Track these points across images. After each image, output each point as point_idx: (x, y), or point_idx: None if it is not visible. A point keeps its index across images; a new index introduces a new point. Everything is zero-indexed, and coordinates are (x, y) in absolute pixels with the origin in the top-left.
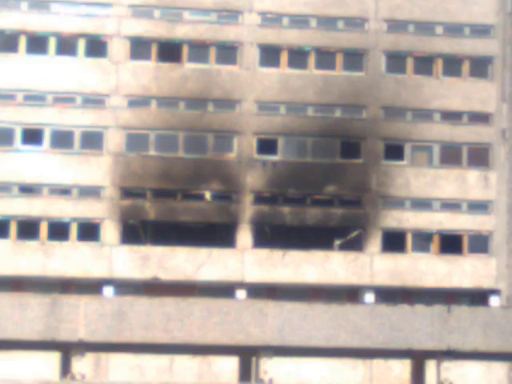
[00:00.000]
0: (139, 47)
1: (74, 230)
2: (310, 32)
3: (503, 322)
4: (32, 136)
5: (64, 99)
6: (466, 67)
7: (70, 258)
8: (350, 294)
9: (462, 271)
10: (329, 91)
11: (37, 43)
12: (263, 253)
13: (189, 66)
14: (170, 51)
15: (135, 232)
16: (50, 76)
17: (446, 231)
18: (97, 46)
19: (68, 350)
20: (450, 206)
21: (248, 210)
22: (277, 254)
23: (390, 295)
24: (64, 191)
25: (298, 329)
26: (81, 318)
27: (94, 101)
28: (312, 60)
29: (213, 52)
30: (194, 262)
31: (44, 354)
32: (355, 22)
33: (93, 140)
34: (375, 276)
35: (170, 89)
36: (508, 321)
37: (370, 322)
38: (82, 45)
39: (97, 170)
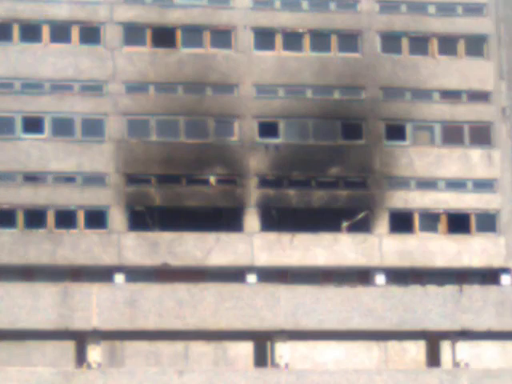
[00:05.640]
0: (133, 33)
1: (81, 218)
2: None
3: None
4: (33, 124)
5: (61, 87)
6: (461, 46)
7: (79, 246)
8: (360, 276)
9: (472, 250)
10: (326, 73)
11: (30, 31)
12: (271, 236)
13: (184, 51)
14: (164, 36)
15: (142, 218)
16: (45, 64)
17: (453, 210)
18: (90, 33)
19: (83, 338)
20: (456, 185)
21: (253, 193)
22: (285, 237)
23: (401, 276)
24: (68, 179)
25: (310, 312)
26: (93, 306)
27: (92, 87)
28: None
29: (207, 36)
30: (202, 247)
31: (59, 344)
32: (347, 4)
33: (94, 126)
34: (385, 257)
35: (167, 74)
36: None
37: (382, 304)
38: (75, 32)
39: (100, 156)
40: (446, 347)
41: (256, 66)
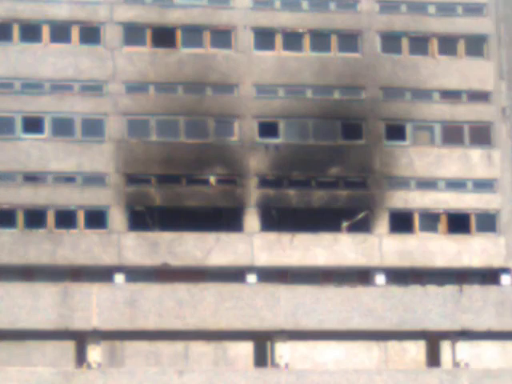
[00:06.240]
0: (133, 33)
1: (81, 218)
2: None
3: None
4: (33, 124)
5: (61, 87)
6: (461, 46)
7: (79, 246)
8: (360, 276)
9: (472, 250)
10: (326, 73)
11: (30, 31)
12: (271, 236)
13: (184, 51)
14: (164, 36)
15: (142, 218)
16: (45, 64)
17: (453, 210)
18: (90, 33)
19: (83, 338)
20: (456, 185)
21: (253, 193)
22: (285, 237)
23: (401, 276)
24: (68, 179)
25: (310, 312)
26: (93, 306)
27: (92, 87)
28: (307, 42)
29: (207, 36)
30: (202, 247)
31: (59, 344)
32: (347, 4)
33: (94, 126)
34: (385, 257)
35: (167, 74)
36: None
37: (382, 304)
38: (75, 32)
39: (100, 156)
40: (446, 347)
41: (256, 65)
